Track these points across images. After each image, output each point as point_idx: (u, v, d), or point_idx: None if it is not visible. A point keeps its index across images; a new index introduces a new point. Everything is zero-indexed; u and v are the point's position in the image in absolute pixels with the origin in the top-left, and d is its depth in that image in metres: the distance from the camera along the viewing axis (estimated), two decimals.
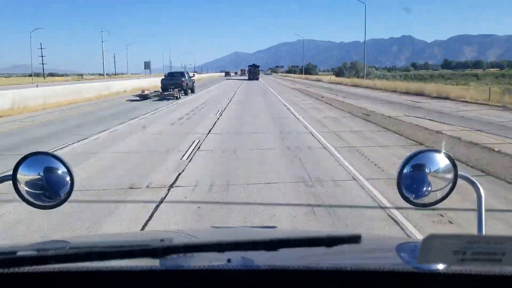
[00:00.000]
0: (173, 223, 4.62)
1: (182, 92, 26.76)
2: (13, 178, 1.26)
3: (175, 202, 5.40)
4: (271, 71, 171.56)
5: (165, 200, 5.46)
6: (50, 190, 1.32)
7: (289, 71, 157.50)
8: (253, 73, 71.86)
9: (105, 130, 12.02)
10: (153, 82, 36.13)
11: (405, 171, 1.33)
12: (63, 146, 9.48)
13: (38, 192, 1.30)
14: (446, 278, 0.85)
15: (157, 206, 5.18)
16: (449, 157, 1.32)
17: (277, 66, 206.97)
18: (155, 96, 25.25)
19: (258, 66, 75.03)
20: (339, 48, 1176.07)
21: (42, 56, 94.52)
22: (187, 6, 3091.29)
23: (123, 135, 11.21)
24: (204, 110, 18.54)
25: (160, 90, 26.48)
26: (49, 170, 1.32)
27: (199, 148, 9.17)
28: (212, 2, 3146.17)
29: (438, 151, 1.34)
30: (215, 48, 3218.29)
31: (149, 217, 4.82)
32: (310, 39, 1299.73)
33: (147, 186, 6.11)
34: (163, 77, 29.23)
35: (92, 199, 5.51)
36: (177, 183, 6.26)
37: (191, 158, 8.03)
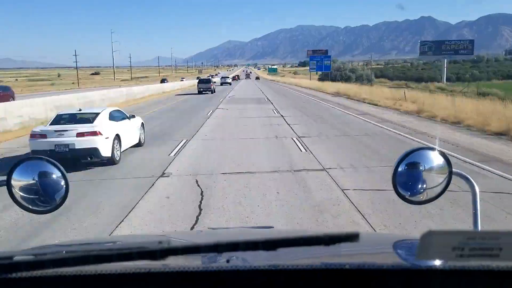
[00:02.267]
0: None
1: None
2: (8, 183, 1.35)
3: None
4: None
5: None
6: (44, 195, 1.41)
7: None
8: None
9: None
10: None
11: (400, 169, 1.44)
12: None
13: (32, 197, 1.39)
14: (445, 274, 0.92)
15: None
16: (443, 155, 1.43)
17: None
18: None
19: None
20: (346, 34, 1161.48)
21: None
22: None
23: None
24: None
25: None
26: (43, 175, 1.41)
27: None
28: None
29: (433, 148, 1.45)
30: (207, 37, 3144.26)
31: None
32: (311, 24, 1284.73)
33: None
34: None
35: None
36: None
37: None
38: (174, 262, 0.93)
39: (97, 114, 9.75)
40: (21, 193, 1.36)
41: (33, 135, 9.06)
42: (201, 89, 40.59)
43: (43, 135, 8.92)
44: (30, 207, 1.38)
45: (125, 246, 0.89)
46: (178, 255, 0.85)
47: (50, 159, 1.42)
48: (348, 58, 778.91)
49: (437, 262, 0.90)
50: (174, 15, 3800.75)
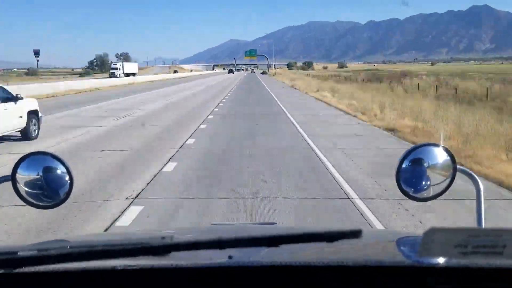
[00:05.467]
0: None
1: None
2: (12, 178, 1.44)
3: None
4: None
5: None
6: (49, 190, 1.51)
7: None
8: None
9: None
10: None
11: (403, 165, 1.52)
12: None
13: (37, 192, 1.50)
14: (448, 271, 0.98)
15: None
16: (447, 151, 1.50)
17: None
18: None
19: None
20: (370, 30, 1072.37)
21: None
22: None
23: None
24: None
25: None
26: (48, 170, 1.51)
27: None
28: None
29: (437, 145, 1.53)
30: (207, 35, 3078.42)
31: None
32: (324, 20, 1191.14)
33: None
34: None
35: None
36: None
37: None
38: (176, 258, 0.99)
39: None
40: (26, 188, 1.47)
41: None
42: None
43: None
44: (35, 202, 1.49)
45: (128, 242, 0.95)
46: (180, 251, 0.92)
47: (55, 154, 1.54)
48: (380, 57, 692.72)
49: (440, 260, 0.94)
50: (173, 14, 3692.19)
